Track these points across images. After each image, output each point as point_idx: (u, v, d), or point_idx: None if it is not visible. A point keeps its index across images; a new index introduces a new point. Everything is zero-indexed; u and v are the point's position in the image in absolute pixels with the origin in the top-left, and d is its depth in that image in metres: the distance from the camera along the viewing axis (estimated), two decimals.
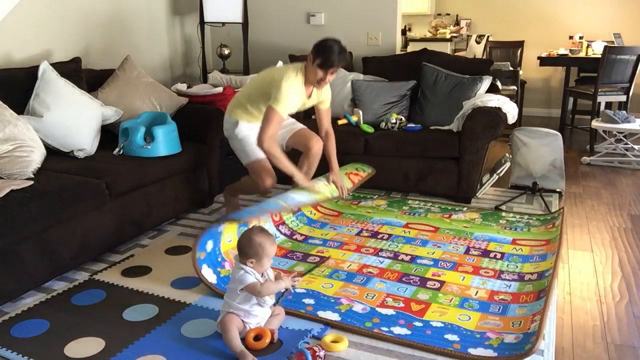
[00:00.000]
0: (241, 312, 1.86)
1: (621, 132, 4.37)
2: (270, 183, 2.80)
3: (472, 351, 1.80)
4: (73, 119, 2.77)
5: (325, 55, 2.55)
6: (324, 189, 2.77)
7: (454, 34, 6.65)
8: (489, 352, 1.79)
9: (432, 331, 1.93)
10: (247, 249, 1.87)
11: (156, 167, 2.79)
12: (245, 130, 2.80)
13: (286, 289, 1.94)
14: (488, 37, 6.25)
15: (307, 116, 3.47)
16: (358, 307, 2.10)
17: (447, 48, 6.25)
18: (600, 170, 4.18)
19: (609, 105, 5.21)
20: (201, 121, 3.19)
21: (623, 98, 4.96)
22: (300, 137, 2.93)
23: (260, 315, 1.89)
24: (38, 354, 1.82)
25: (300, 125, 2.98)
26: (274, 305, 1.98)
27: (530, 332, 1.85)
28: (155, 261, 2.56)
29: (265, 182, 2.78)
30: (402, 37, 6.15)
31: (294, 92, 2.61)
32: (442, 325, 1.97)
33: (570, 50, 5.53)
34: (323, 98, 2.85)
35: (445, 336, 1.89)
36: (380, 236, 2.81)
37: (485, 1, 6.69)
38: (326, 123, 2.91)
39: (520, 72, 5.42)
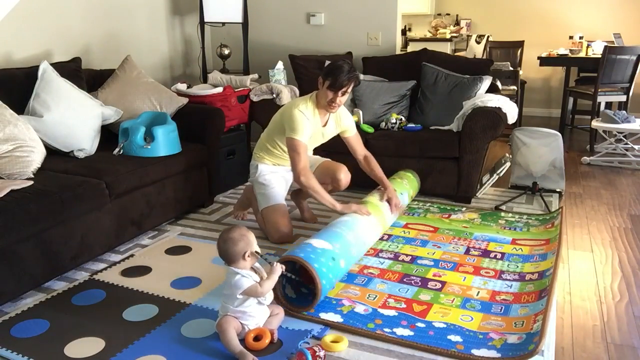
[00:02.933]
0: (239, 314, 1.85)
1: (621, 132, 4.37)
2: (286, 233, 2.70)
3: (476, 352, 1.80)
4: (73, 119, 2.77)
5: (334, 76, 2.51)
6: (375, 203, 2.68)
7: (454, 34, 6.66)
8: (493, 353, 1.78)
9: (435, 332, 1.93)
10: (235, 247, 1.84)
11: (156, 167, 2.79)
12: (266, 173, 2.77)
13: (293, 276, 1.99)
14: (488, 37, 6.25)
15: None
16: (360, 309, 2.09)
17: (447, 48, 6.26)
18: (600, 170, 4.18)
19: (609, 105, 5.21)
20: (201, 121, 3.19)
21: (623, 98, 4.97)
22: (326, 169, 2.84)
23: (258, 316, 1.89)
24: (38, 354, 1.82)
25: (323, 159, 2.91)
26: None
27: (533, 332, 1.85)
28: (155, 261, 2.56)
29: (280, 231, 2.69)
30: (402, 37, 6.16)
31: (305, 118, 2.56)
32: (445, 326, 1.97)
33: (570, 50, 5.54)
34: (345, 127, 2.79)
35: (448, 337, 1.89)
36: (380, 237, 2.81)
37: (485, 1, 6.70)
38: (360, 149, 2.85)
39: (520, 72, 5.42)
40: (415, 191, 3.21)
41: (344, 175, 2.80)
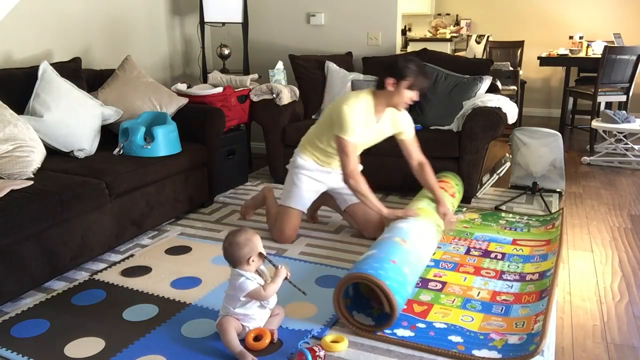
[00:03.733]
0: (240, 316, 1.85)
1: (621, 132, 4.37)
2: (289, 237, 2.70)
3: (477, 353, 1.80)
4: (73, 119, 2.77)
5: (416, 76, 2.41)
6: (425, 207, 2.57)
7: (454, 34, 6.66)
8: (494, 354, 1.78)
9: (436, 332, 1.92)
10: (240, 251, 1.84)
11: (156, 167, 2.79)
12: (307, 170, 2.69)
13: (298, 288, 1.95)
14: (488, 37, 6.25)
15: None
16: None
17: (447, 48, 6.26)
18: (600, 170, 4.18)
19: (609, 105, 5.21)
20: (201, 121, 3.19)
21: (623, 98, 4.97)
22: (357, 217, 2.76)
23: (259, 318, 1.89)
24: (38, 354, 1.82)
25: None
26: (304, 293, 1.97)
27: (533, 332, 1.85)
28: (155, 261, 2.56)
29: (284, 234, 2.70)
30: (402, 37, 6.16)
31: (355, 115, 2.44)
32: (445, 326, 1.97)
33: (570, 50, 5.54)
34: (401, 128, 2.64)
35: (449, 337, 1.89)
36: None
37: (485, 1, 6.70)
38: (416, 154, 2.70)
39: (520, 72, 5.42)
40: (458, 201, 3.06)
41: (371, 234, 2.71)
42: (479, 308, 2.09)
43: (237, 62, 4.35)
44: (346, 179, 2.50)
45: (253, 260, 1.86)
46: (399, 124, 2.65)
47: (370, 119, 2.55)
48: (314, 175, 2.74)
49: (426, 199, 2.71)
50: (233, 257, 1.86)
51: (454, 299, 2.16)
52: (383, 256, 2.00)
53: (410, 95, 2.46)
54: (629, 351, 1.87)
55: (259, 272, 1.91)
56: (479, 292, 2.22)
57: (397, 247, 2.10)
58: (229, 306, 1.87)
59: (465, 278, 2.35)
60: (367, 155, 3.41)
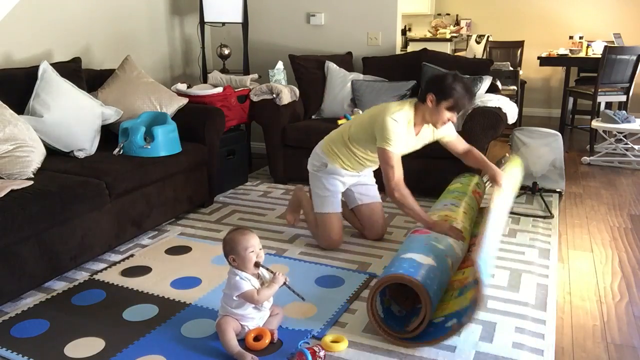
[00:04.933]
0: (238, 316, 1.85)
1: (621, 132, 4.37)
2: (337, 241, 2.64)
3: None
4: (73, 119, 2.77)
5: (456, 99, 2.30)
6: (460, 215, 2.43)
7: (454, 34, 6.65)
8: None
9: (434, 327, 1.90)
10: (224, 249, 1.89)
11: (156, 167, 2.79)
12: (330, 174, 2.60)
13: (296, 293, 1.93)
14: (488, 37, 6.25)
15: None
16: None
17: (447, 48, 6.25)
18: (600, 170, 4.18)
19: (609, 105, 5.21)
20: (201, 121, 3.19)
21: (623, 98, 4.97)
22: (363, 217, 2.75)
23: (257, 318, 1.89)
24: (38, 354, 1.82)
25: (372, 201, 2.72)
26: (303, 300, 1.96)
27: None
28: (155, 261, 2.56)
29: (331, 239, 2.62)
30: (402, 37, 6.16)
31: (399, 127, 2.36)
32: (444, 318, 1.94)
33: (570, 50, 5.54)
34: (442, 134, 2.57)
35: (446, 325, 1.86)
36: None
37: (485, 1, 6.70)
38: (461, 146, 2.63)
39: (520, 72, 5.42)
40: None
41: (372, 236, 2.74)
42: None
43: (237, 62, 4.35)
44: (390, 192, 2.38)
45: (233, 260, 1.86)
46: (438, 132, 2.56)
47: (411, 130, 2.46)
48: (343, 179, 2.67)
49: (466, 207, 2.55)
50: (223, 253, 1.90)
51: (452, 293, 2.14)
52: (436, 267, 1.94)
53: (448, 116, 2.37)
54: (629, 351, 1.87)
55: (260, 276, 1.91)
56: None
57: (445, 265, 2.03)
58: (226, 305, 1.87)
59: (464, 272, 2.32)
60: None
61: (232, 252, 1.86)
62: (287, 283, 1.91)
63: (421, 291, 1.79)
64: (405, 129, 2.41)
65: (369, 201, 2.75)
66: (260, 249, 1.89)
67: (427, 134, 2.55)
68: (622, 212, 3.26)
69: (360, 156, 2.56)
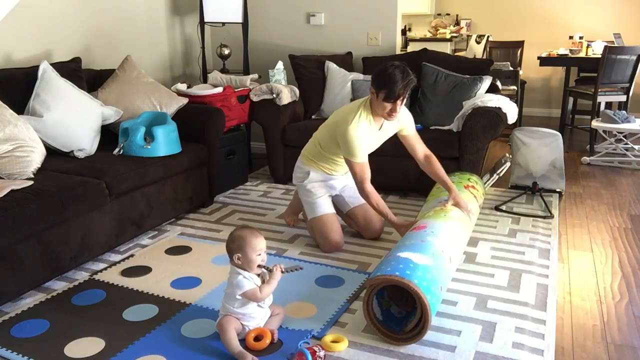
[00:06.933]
0: (240, 315, 1.85)
1: (621, 132, 4.37)
2: (336, 242, 2.63)
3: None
4: (73, 119, 2.77)
5: (388, 88, 2.33)
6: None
7: (454, 34, 6.66)
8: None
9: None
10: (230, 245, 1.86)
11: (156, 167, 2.79)
12: (316, 181, 2.70)
13: (294, 270, 1.92)
14: (488, 37, 6.25)
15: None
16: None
17: (447, 48, 6.26)
18: (600, 170, 4.18)
19: (609, 105, 5.21)
20: (201, 121, 3.19)
21: (623, 98, 4.97)
22: (358, 220, 2.79)
23: (258, 317, 1.89)
24: (38, 354, 1.82)
25: (363, 201, 2.69)
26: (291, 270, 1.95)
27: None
28: (155, 261, 2.56)
29: (330, 241, 2.62)
30: (402, 37, 6.16)
31: (361, 135, 2.44)
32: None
33: (570, 50, 5.54)
34: (402, 124, 2.62)
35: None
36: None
37: (485, 1, 6.70)
38: (420, 148, 2.68)
39: (520, 72, 5.42)
40: (483, 195, 2.97)
41: (369, 235, 2.78)
42: None
43: (237, 62, 4.35)
44: (360, 192, 2.56)
45: (238, 258, 1.84)
46: (399, 121, 2.61)
47: (373, 127, 2.54)
48: (331, 183, 2.76)
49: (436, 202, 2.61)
50: (227, 248, 1.88)
51: None
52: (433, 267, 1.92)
53: (389, 106, 2.39)
54: (629, 351, 1.87)
55: (261, 276, 1.91)
56: None
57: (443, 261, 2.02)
58: (228, 305, 1.87)
59: None
60: (368, 155, 3.42)
61: (240, 251, 1.84)
62: (283, 272, 1.91)
63: (419, 296, 1.78)
64: (369, 129, 2.52)
65: (359, 202, 2.77)
66: (265, 252, 1.90)
67: (390, 127, 2.63)
68: (622, 212, 3.26)
69: (339, 160, 2.67)
